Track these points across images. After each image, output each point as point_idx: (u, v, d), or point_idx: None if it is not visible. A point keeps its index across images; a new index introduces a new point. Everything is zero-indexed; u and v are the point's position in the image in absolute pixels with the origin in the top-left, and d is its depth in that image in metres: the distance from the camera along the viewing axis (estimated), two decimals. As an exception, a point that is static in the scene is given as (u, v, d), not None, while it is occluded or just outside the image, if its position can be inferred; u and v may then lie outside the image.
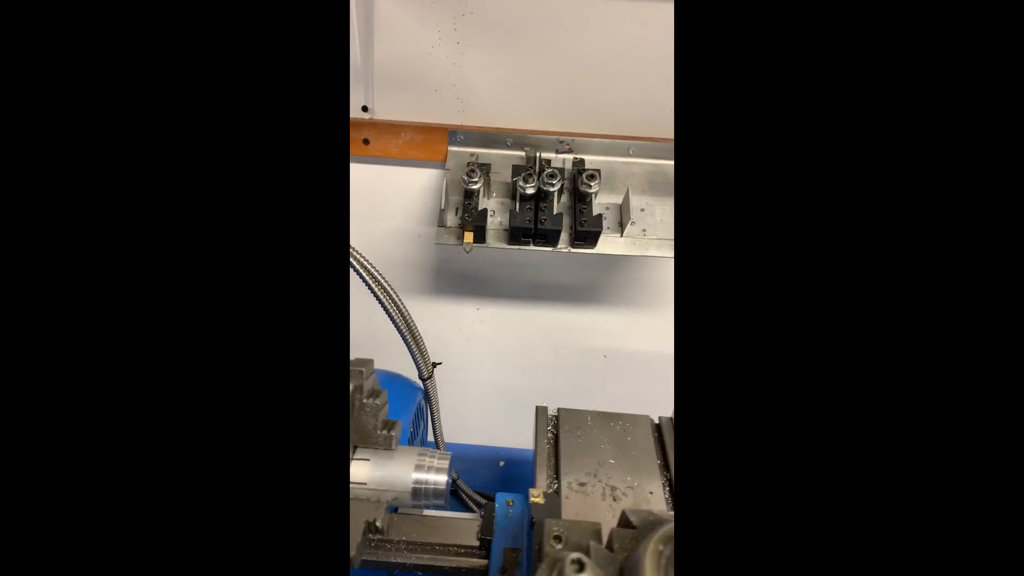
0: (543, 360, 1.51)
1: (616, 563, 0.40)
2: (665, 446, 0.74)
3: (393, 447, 0.55)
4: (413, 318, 1.00)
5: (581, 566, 0.36)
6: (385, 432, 0.54)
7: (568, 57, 1.06)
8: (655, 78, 1.04)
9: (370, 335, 1.13)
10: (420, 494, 0.55)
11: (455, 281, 1.38)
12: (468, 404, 1.50)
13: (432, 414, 1.10)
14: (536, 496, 0.50)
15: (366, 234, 1.27)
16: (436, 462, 0.55)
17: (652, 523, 0.41)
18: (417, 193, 1.23)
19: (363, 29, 1.02)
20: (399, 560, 0.66)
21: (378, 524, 0.52)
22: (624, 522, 0.43)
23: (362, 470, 0.53)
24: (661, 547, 0.38)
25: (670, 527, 0.40)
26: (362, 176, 1.21)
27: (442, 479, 0.55)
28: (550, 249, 1.07)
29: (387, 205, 1.25)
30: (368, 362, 0.54)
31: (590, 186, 1.00)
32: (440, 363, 1.05)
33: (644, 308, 1.40)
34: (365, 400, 0.52)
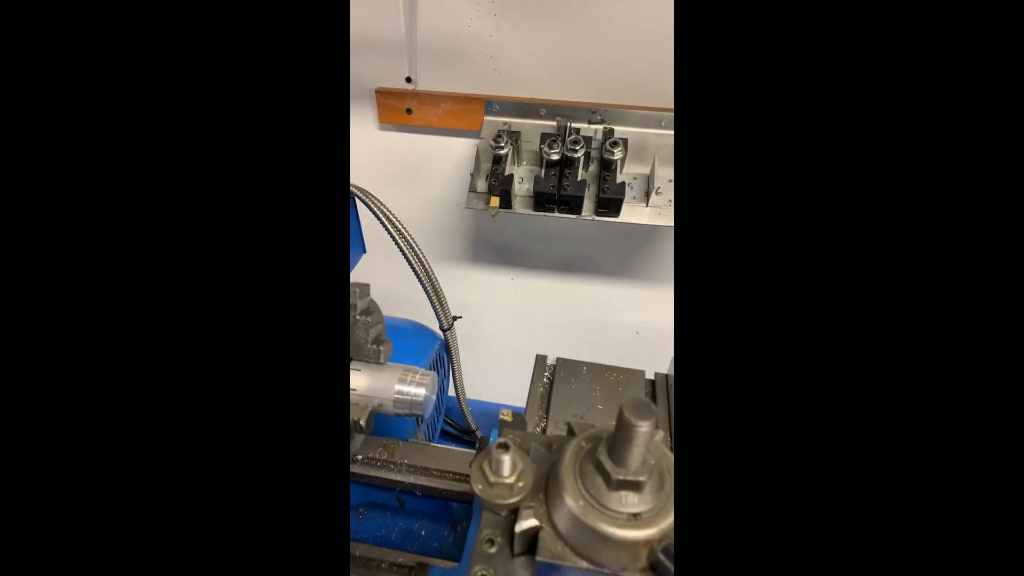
0: (574, 332, 1.53)
1: (551, 461, 0.44)
2: (656, 400, 0.76)
3: (382, 361, 0.61)
4: (447, 284, 1.07)
5: (506, 448, 0.40)
6: (375, 347, 0.60)
7: (603, 27, 1.07)
8: (689, 47, 1.04)
9: (403, 293, 1.21)
10: (401, 404, 0.61)
11: (491, 250, 1.43)
12: (499, 368, 1.56)
13: (452, 365, 1.16)
14: (505, 415, 0.54)
15: (407, 201, 1.36)
16: (418, 378, 0.61)
17: (587, 429, 0.44)
18: (456, 163, 1.29)
19: (407, 5, 1.09)
20: (401, 479, 0.74)
21: (362, 423, 0.59)
22: (569, 432, 0.46)
23: (353, 378, 0.60)
24: (584, 443, 0.42)
25: (599, 430, 0.43)
26: (405, 146, 1.29)
27: (420, 391, 0.61)
28: (574, 216, 1.09)
29: (428, 174, 1.33)
30: (365, 286, 0.61)
31: (613, 153, 1.02)
32: (460, 317, 1.11)
33: (679, 286, 1.39)
34: (358, 317, 0.59)
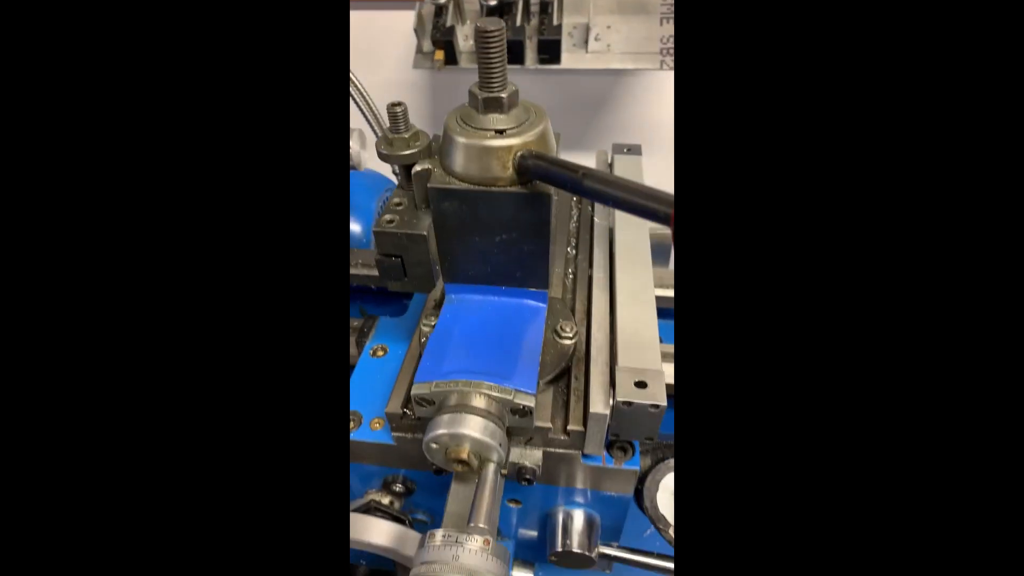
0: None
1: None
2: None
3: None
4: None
5: (398, 104, 0.47)
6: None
7: None
8: None
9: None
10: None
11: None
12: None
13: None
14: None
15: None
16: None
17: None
18: (406, 39, 1.34)
19: None
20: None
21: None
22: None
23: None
24: (463, 107, 0.48)
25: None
26: (351, 27, 1.34)
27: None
28: (518, 67, 1.15)
29: (378, 56, 1.37)
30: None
31: (547, -6, 1.07)
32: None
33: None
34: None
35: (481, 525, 0.42)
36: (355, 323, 0.78)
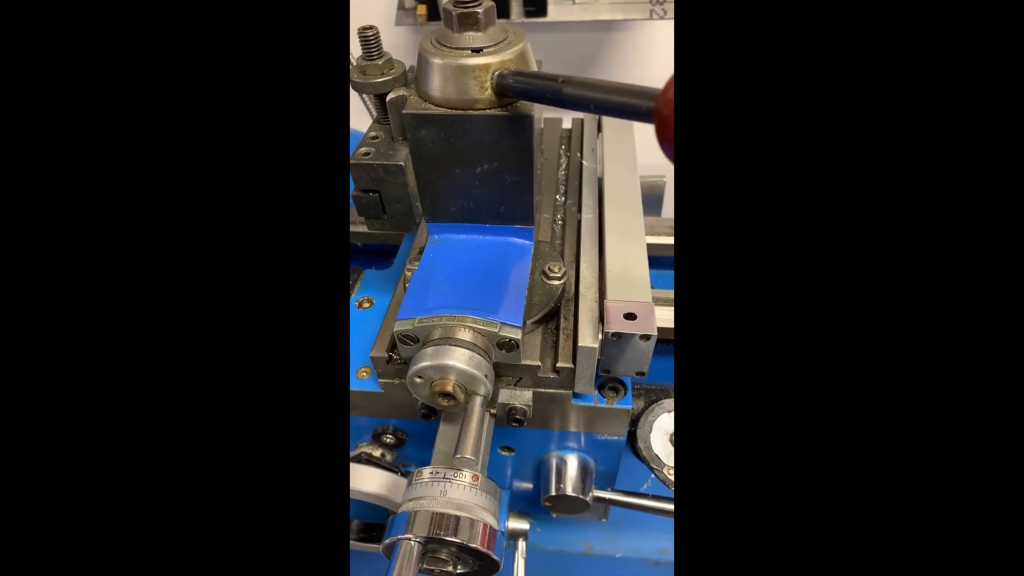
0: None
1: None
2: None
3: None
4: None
5: (371, 27, 0.44)
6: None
7: None
8: None
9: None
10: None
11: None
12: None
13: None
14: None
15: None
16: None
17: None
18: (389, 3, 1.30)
19: None
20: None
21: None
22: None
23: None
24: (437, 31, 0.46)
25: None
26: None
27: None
28: (503, 21, 1.12)
29: (358, 13, 1.33)
30: None
31: (530, -60, 1.03)
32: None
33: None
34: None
35: (468, 456, 0.41)
36: (341, 279, 0.77)
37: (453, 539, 0.41)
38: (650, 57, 1.39)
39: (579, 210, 0.67)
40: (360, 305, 0.65)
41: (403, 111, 0.45)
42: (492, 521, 0.44)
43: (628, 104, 0.32)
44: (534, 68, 0.46)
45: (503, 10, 1.08)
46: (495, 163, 0.47)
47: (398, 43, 1.41)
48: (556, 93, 0.37)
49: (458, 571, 0.45)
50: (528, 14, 1.10)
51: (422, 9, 1.08)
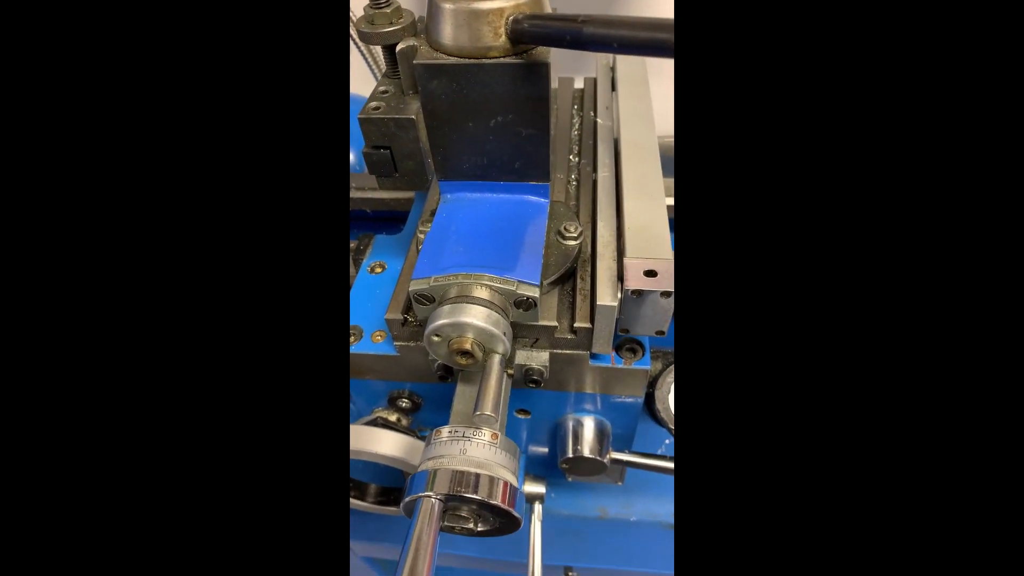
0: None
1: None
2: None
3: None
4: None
5: None
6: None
7: None
8: None
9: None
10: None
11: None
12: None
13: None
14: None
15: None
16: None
17: None
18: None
19: None
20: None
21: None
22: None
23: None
24: None
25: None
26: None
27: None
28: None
29: None
30: None
31: None
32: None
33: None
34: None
35: (488, 413, 0.40)
36: (351, 244, 0.76)
37: (474, 496, 0.41)
38: (663, 2, 1.34)
39: (594, 169, 0.65)
40: (372, 270, 0.65)
41: (414, 62, 0.43)
42: (512, 479, 0.43)
43: (655, 39, 0.30)
44: (549, 12, 0.44)
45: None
46: (510, 115, 0.46)
47: None
48: (576, 34, 0.35)
49: (478, 528, 0.45)
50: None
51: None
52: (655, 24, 0.30)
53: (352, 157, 0.97)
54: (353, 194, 0.78)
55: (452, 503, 0.42)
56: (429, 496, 0.41)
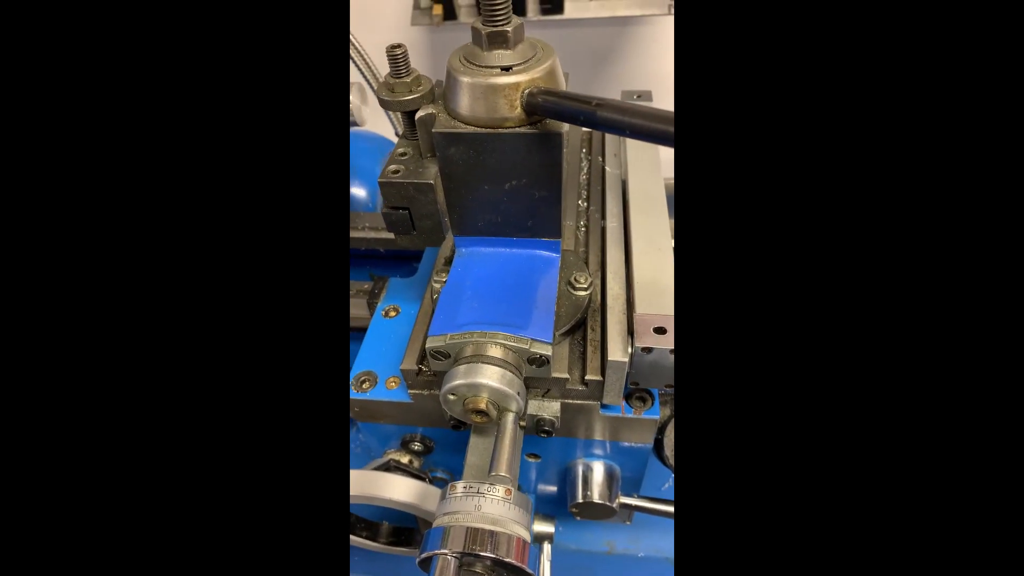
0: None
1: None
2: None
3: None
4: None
5: (398, 46, 0.44)
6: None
7: None
8: None
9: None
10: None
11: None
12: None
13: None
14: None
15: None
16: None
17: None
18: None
19: None
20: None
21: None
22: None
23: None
24: (465, 48, 0.45)
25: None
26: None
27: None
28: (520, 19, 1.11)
29: (373, 14, 1.33)
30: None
31: (546, -63, 1.02)
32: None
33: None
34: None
35: (503, 474, 0.41)
36: (365, 286, 0.78)
37: (489, 554, 0.42)
38: (667, 50, 1.37)
39: (603, 216, 0.66)
40: (386, 314, 0.66)
41: (432, 129, 0.45)
42: (525, 534, 0.44)
43: (666, 132, 0.32)
44: (563, 84, 0.46)
45: (519, 8, 1.07)
46: (524, 179, 0.47)
47: (414, 43, 1.40)
48: (590, 116, 0.37)
49: (492, 582, 0.46)
50: (545, 11, 1.09)
51: (438, 9, 1.07)
52: (661, 116, 0.32)
53: (363, 193, 0.99)
54: (367, 234, 0.80)
55: (467, 559, 0.43)
56: (445, 553, 0.42)
